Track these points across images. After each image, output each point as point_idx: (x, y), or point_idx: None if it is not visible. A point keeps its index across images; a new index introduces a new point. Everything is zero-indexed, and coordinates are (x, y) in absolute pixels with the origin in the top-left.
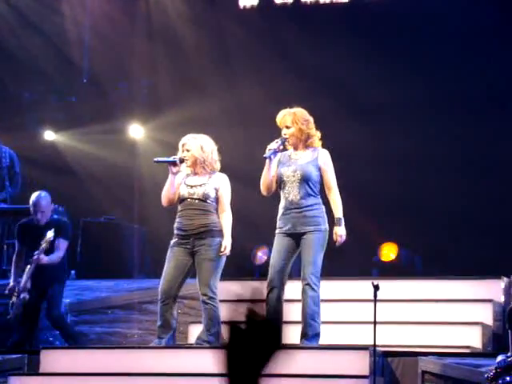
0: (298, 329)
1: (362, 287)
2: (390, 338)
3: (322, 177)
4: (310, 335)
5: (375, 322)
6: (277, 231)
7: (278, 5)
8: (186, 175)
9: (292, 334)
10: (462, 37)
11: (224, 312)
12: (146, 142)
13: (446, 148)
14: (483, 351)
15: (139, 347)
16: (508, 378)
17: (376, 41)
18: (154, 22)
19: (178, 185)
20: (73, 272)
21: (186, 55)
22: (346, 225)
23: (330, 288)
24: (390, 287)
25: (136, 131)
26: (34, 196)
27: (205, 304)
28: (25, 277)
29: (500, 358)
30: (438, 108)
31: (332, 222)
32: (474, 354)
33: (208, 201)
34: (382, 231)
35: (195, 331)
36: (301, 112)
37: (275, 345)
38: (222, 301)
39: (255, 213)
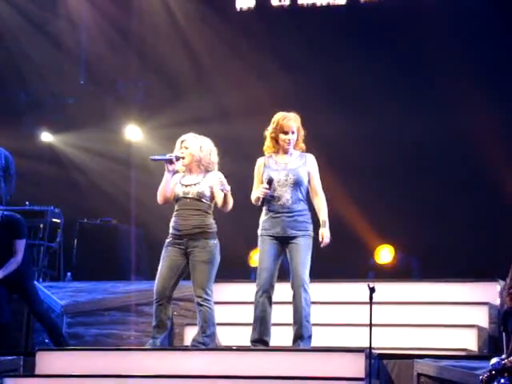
0: (287, 330)
1: (357, 289)
2: (386, 340)
3: (309, 181)
4: (305, 337)
5: (371, 325)
6: (262, 233)
7: (274, 7)
8: (182, 175)
9: (282, 336)
10: (458, 35)
11: (219, 314)
12: (143, 143)
13: (443, 150)
14: (479, 354)
15: (135, 349)
16: (503, 381)
17: (372, 42)
18: (150, 24)
19: (174, 184)
20: (69, 274)
21: (182, 56)
22: (342, 227)
23: (326, 290)
24: (386, 290)
25: (133, 132)
26: None
27: (200, 306)
28: None
29: (494, 360)
30: (436, 108)
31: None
32: (470, 356)
33: (203, 200)
34: (379, 234)
35: (191, 333)
36: (298, 117)
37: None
38: (217, 303)
39: (251, 215)
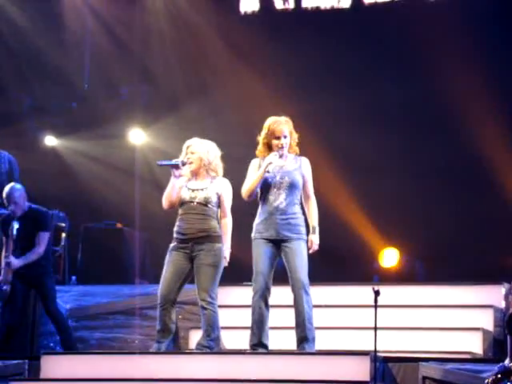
0: (288, 334)
1: (362, 293)
2: (391, 343)
3: (303, 185)
4: (309, 339)
5: (376, 328)
6: (256, 235)
7: (278, 10)
8: (188, 179)
9: (284, 340)
10: (464, 36)
11: (224, 317)
12: (147, 147)
13: (447, 154)
14: (484, 357)
15: (140, 353)
16: None
17: (377, 45)
18: (154, 28)
19: (179, 188)
20: (73, 277)
21: (186, 60)
22: (347, 231)
23: (331, 294)
24: (391, 293)
25: (136, 136)
26: (6, 188)
27: (204, 309)
28: (3, 271)
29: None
30: (441, 112)
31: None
32: (475, 359)
33: (209, 205)
34: (383, 237)
35: (196, 337)
36: (290, 120)
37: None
38: (222, 306)
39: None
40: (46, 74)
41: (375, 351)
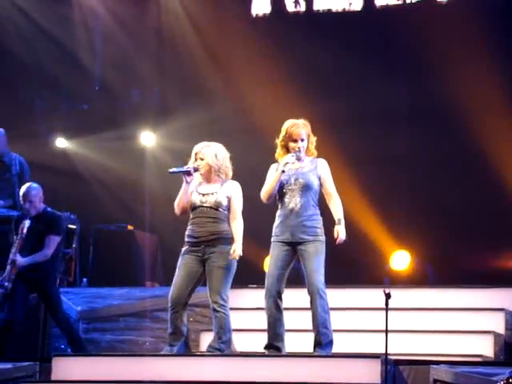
0: (307, 336)
1: (373, 295)
2: (402, 346)
3: (321, 186)
4: (323, 343)
5: (387, 331)
6: (273, 239)
7: (290, 13)
8: (199, 183)
9: (303, 342)
10: (474, 38)
11: (236, 320)
12: (157, 149)
13: (460, 158)
14: (495, 360)
15: (151, 355)
16: None
17: (389, 47)
18: (166, 30)
19: (190, 193)
20: (85, 280)
21: (198, 62)
22: (358, 233)
23: (342, 296)
24: (402, 296)
25: (147, 138)
26: (24, 187)
27: (215, 312)
28: (7, 268)
29: None
30: (454, 116)
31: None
32: (486, 362)
33: (220, 209)
34: (395, 240)
35: (207, 339)
36: (308, 123)
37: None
38: (233, 309)
39: (266, 220)
40: (57, 75)
41: (386, 354)
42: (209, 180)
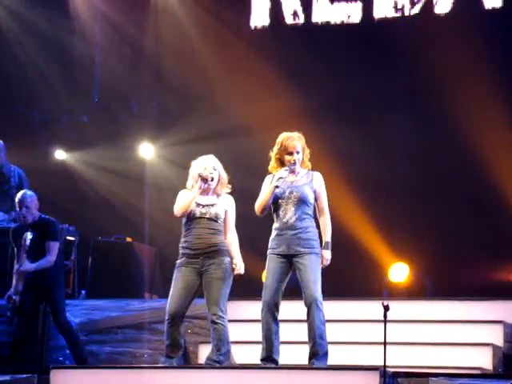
0: (303, 348)
1: (372, 308)
2: (401, 358)
3: (315, 199)
4: (320, 354)
5: (385, 343)
6: (269, 252)
7: (289, 25)
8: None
9: (297, 354)
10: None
11: (235, 332)
12: (157, 161)
13: (459, 171)
14: (494, 372)
15: (150, 367)
16: None
17: (387, 59)
18: (165, 42)
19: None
20: (83, 292)
21: (197, 74)
22: (356, 245)
23: (340, 308)
24: (400, 308)
25: (146, 150)
26: (19, 194)
27: (214, 323)
28: (14, 281)
29: None
30: (453, 129)
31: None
32: (485, 375)
33: (218, 221)
34: (393, 252)
35: (205, 351)
36: (302, 136)
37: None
38: (232, 321)
39: (264, 232)
40: (56, 87)
41: (384, 366)
42: (208, 192)
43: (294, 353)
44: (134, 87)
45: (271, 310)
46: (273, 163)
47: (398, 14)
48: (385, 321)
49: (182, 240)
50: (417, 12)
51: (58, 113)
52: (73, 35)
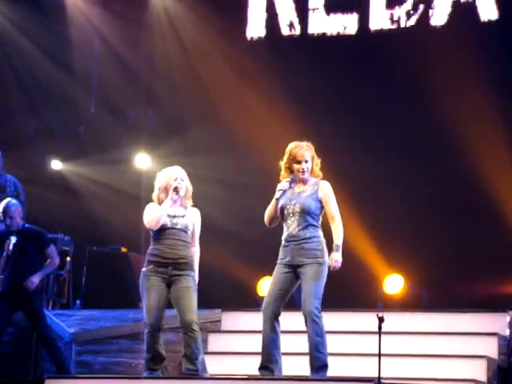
0: (304, 360)
1: (366, 319)
2: (395, 370)
3: (323, 208)
4: (315, 367)
5: (380, 355)
6: (278, 261)
7: (285, 36)
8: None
9: (299, 366)
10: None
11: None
12: (152, 172)
13: (456, 184)
14: None
15: (144, 377)
16: None
17: (383, 71)
18: (161, 53)
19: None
20: (78, 301)
21: (192, 85)
22: (351, 257)
23: (335, 320)
24: (395, 320)
25: (142, 161)
26: (3, 202)
27: (192, 332)
28: None
29: None
30: (451, 141)
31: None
32: None
33: (188, 232)
34: (388, 264)
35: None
36: (311, 146)
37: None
38: (227, 331)
39: (261, 244)
40: (53, 98)
41: (379, 378)
42: (175, 202)
43: (298, 364)
44: (130, 98)
45: (269, 319)
46: (283, 172)
47: (394, 26)
48: (379, 332)
49: (151, 247)
50: (413, 24)
51: (54, 123)
52: (71, 46)
